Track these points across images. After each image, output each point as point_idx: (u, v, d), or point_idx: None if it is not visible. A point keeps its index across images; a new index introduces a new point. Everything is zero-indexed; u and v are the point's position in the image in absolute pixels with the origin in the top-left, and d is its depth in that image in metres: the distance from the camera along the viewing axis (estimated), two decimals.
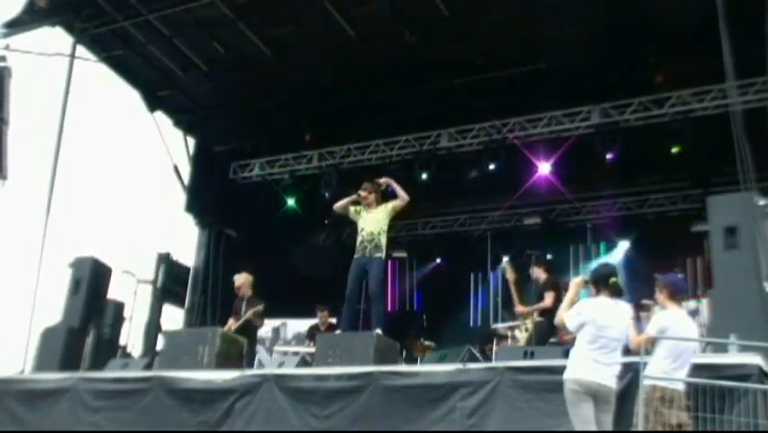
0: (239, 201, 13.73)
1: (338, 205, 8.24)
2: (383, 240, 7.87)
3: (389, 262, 14.44)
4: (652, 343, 5.17)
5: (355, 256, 7.91)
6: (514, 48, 10.54)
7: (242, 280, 9.57)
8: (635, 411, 5.02)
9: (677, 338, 5.15)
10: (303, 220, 14.00)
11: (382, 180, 8.20)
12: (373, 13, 10.29)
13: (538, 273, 8.80)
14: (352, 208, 8.11)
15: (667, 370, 5.06)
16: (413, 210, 14.78)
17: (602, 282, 5.37)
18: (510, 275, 9.03)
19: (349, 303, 7.95)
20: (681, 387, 5.06)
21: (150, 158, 13.55)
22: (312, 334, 9.99)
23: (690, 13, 9.17)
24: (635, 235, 13.05)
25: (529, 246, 13.27)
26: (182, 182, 13.11)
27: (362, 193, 8.03)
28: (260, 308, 9.01)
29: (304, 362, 8.33)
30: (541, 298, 8.59)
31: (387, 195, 8.32)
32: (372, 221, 7.94)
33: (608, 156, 10.86)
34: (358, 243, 7.96)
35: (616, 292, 5.31)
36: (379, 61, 11.19)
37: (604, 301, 5.30)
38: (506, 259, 8.83)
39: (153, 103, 12.47)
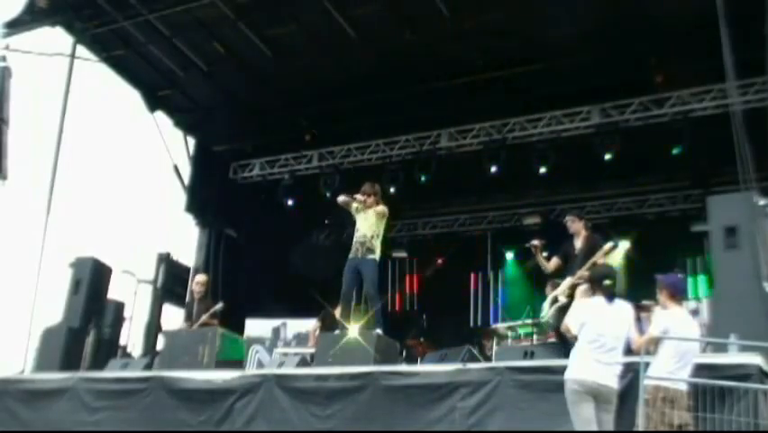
0: (239, 201, 13.73)
1: (340, 199, 8.27)
2: (376, 243, 7.93)
3: (390, 262, 14.50)
4: (654, 343, 5.17)
5: (349, 256, 7.98)
6: (513, 48, 10.54)
7: (205, 280, 9.73)
8: (637, 411, 5.02)
9: (678, 338, 5.15)
10: (303, 220, 13.99)
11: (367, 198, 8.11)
12: (373, 13, 10.30)
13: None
14: (354, 205, 8.14)
15: (672, 370, 5.07)
16: (413, 210, 14.94)
17: (597, 284, 5.38)
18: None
19: (345, 303, 7.98)
20: (683, 387, 5.06)
21: (150, 158, 13.56)
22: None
23: (690, 13, 9.18)
24: (635, 235, 13.03)
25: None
26: (182, 182, 13.10)
27: (359, 197, 8.03)
28: (219, 306, 9.08)
29: (304, 361, 8.32)
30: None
31: (388, 198, 8.36)
32: (366, 223, 8.01)
33: (608, 156, 10.86)
34: (353, 243, 8.03)
35: (609, 294, 5.31)
36: (379, 61, 11.19)
37: (603, 301, 5.31)
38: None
39: (153, 103, 12.46)
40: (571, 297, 7.01)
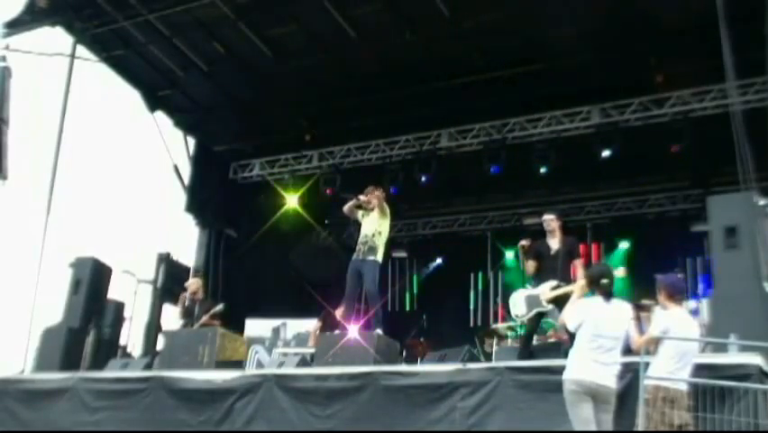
0: (239, 201, 13.73)
1: (345, 208, 8.29)
2: (378, 241, 7.95)
3: (390, 261, 14.49)
4: (654, 343, 5.17)
5: (353, 258, 8.03)
6: (514, 48, 10.54)
7: (197, 284, 9.90)
8: (637, 411, 5.01)
9: (677, 338, 5.15)
10: (303, 220, 14.00)
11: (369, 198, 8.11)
12: (373, 13, 10.30)
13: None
14: (360, 212, 8.17)
15: (672, 370, 5.06)
16: (413, 210, 14.94)
17: (594, 283, 5.38)
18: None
19: (348, 303, 8.00)
20: (683, 387, 5.05)
21: (150, 158, 13.56)
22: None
23: (690, 13, 9.18)
24: (635, 235, 13.04)
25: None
26: (182, 182, 13.10)
27: (363, 198, 8.06)
28: (219, 308, 9.09)
29: (304, 361, 8.33)
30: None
31: (388, 198, 8.38)
32: (368, 223, 8.07)
33: (607, 156, 10.86)
34: (356, 243, 8.09)
35: (606, 293, 5.31)
36: (379, 61, 11.20)
37: (601, 301, 5.30)
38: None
39: (153, 103, 12.46)
40: (556, 302, 6.91)
